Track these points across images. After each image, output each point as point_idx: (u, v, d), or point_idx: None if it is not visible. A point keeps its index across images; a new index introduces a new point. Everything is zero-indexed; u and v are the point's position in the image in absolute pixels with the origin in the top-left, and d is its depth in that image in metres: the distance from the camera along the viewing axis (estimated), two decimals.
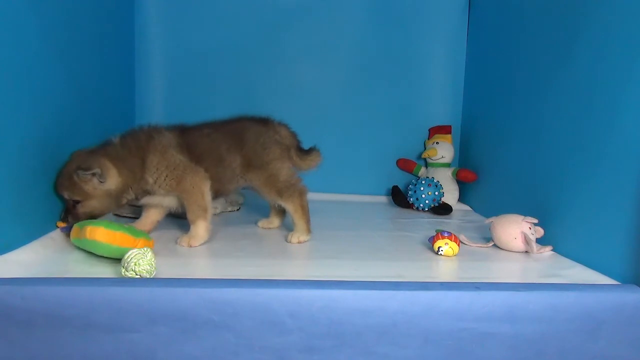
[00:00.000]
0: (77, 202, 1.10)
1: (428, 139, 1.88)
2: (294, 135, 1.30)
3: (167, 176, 1.14)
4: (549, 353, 0.82)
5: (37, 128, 1.06)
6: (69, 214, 1.11)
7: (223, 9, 1.80)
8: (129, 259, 0.86)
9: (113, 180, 1.10)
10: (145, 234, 1.06)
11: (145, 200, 1.19)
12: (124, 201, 1.16)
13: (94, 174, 1.07)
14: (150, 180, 1.14)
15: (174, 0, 1.80)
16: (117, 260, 0.94)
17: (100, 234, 0.96)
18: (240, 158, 1.22)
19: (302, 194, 1.23)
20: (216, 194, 1.23)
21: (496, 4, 1.61)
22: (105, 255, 0.98)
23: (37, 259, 0.96)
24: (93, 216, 1.11)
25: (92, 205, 1.11)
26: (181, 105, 1.79)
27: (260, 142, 1.23)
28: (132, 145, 1.15)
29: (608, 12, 1.02)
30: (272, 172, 1.22)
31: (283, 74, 1.83)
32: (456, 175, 1.78)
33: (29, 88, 1.03)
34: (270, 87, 1.83)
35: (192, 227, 1.14)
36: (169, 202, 1.20)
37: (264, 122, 1.28)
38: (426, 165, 1.87)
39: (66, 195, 1.10)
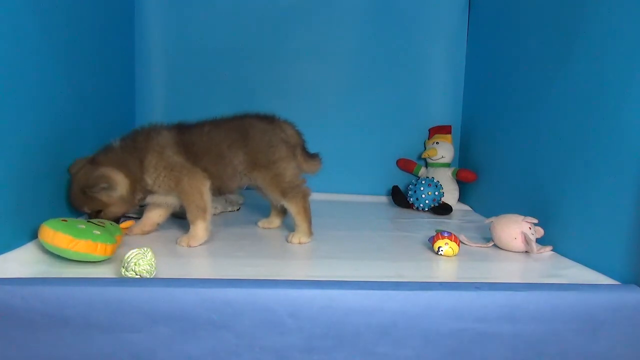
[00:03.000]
0: (99, 211, 1.15)
1: (428, 139, 1.88)
2: (299, 134, 1.29)
3: (165, 176, 1.15)
4: (549, 353, 0.82)
5: (37, 127, 1.06)
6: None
7: (223, 9, 1.80)
8: (129, 259, 0.86)
9: (123, 186, 1.14)
10: (94, 235, 0.95)
11: (149, 199, 1.19)
12: (137, 200, 1.18)
13: (102, 188, 1.11)
14: (149, 181, 1.15)
15: (174, 0, 1.80)
16: (116, 260, 0.94)
17: (44, 233, 0.93)
18: (243, 155, 1.20)
19: (305, 195, 1.22)
20: (218, 192, 1.23)
21: (496, 4, 1.61)
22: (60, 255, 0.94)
23: (37, 258, 0.96)
24: (118, 218, 1.17)
25: (113, 211, 1.16)
26: (181, 105, 1.79)
27: (266, 140, 1.21)
28: (131, 147, 1.16)
29: (608, 12, 1.02)
30: (277, 171, 1.20)
31: (283, 74, 1.83)
32: (456, 175, 1.78)
33: (30, 88, 1.03)
34: (270, 87, 1.83)
35: (191, 227, 1.14)
36: (172, 201, 1.20)
37: (270, 119, 1.26)
38: (426, 165, 1.87)
39: (87, 209, 1.15)
